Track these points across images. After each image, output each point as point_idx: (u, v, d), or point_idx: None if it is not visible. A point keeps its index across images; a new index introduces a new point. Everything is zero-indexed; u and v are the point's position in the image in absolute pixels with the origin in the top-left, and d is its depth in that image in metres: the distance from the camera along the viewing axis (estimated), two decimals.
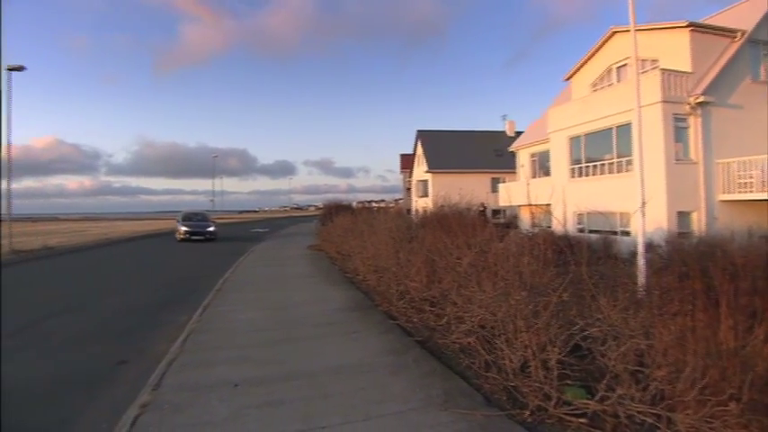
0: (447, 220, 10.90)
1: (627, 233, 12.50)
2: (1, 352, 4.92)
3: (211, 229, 24.15)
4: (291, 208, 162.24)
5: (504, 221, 21.41)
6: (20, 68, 17.81)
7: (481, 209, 20.85)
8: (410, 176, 41.57)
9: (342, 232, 13.23)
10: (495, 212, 26.57)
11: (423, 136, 35.61)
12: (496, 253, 5.18)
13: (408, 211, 32.62)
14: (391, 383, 4.07)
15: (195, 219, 25.58)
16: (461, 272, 5.29)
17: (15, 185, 18.46)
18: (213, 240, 23.53)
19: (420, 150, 35.53)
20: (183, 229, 23.41)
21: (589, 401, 3.04)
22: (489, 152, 32.51)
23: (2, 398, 3.81)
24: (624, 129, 12.90)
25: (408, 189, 43.84)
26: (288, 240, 23.51)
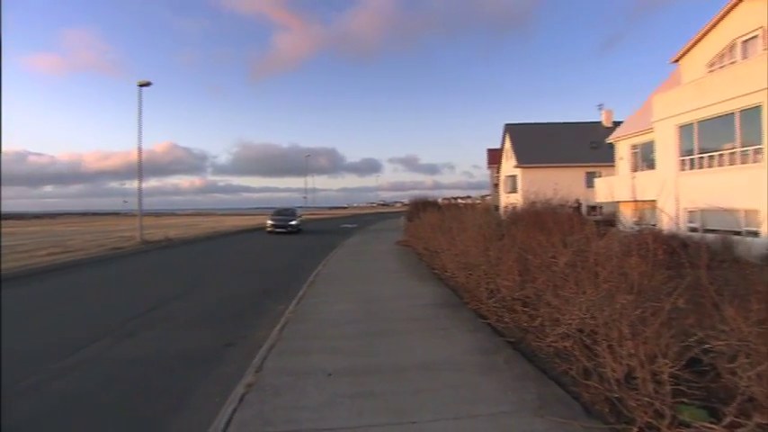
0: (540, 217, 10.39)
1: (754, 233, 10.94)
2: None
3: (293, 222, 27.07)
4: (378, 204, 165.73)
5: (600, 218, 19.88)
6: (147, 84, 20.35)
7: (575, 205, 19.57)
8: (498, 172, 40.22)
9: (429, 228, 13.21)
10: (591, 209, 24.81)
11: (511, 130, 34.23)
12: (597, 252, 4.82)
13: (496, 207, 31.67)
14: (482, 384, 3.98)
15: (284, 214, 28.81)
16: (557, 271, 5.00)
17: (144, 185, 21.31)
18: (296, 233, 26.36)
19: (508, 144, 34.19)
20: (270, 222, 27.24)
21: (714, 425, 2.68)
22: (583, 145, 30.37)
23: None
24: (751, 113, 11.26)
25: (496, 185, 42.51)
26: (375, 236, 24.05)
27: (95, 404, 4.01)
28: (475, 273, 7.29)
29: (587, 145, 30.17)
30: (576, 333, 4.07)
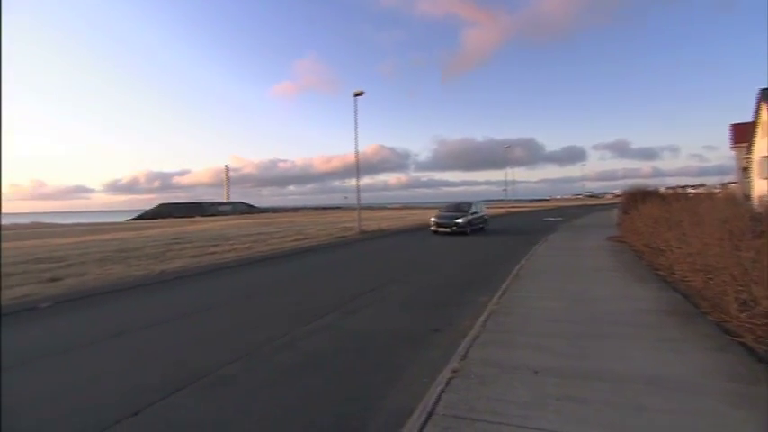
0: None
1: None
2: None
3: (460, 221, 21.46)
4: (584, 196, 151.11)
5: None
6: (360, 93, 23.02)
7: None
8: (748, 152, 31.57)
9: (650, 222, 11.39)
10: None
11: None
12: None
13: (747, 196, 25.16)
14: (734, 419, 3.23)
15: (454, 210, 23.29)
16: None
17: (361, 182, 24.50)
18: (464, 234, 21.23)
19: (766, 116, 26.39)
20: (433, 220, 22.56)
21: None
22: None
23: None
24: None
25: (745, 169, 33.54)
26: (583, 230, 22.00)
27: (330, 364, 4.79)
28: (717, 277, 5.98)
29: None
30: None
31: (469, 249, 15.85)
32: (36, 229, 39.61)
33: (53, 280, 9.60)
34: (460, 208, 23.43)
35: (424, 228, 27.76)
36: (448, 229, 21.49)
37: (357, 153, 24.30)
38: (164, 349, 5.42)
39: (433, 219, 22.68)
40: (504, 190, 63.92)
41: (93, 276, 10.07)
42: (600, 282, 8.40)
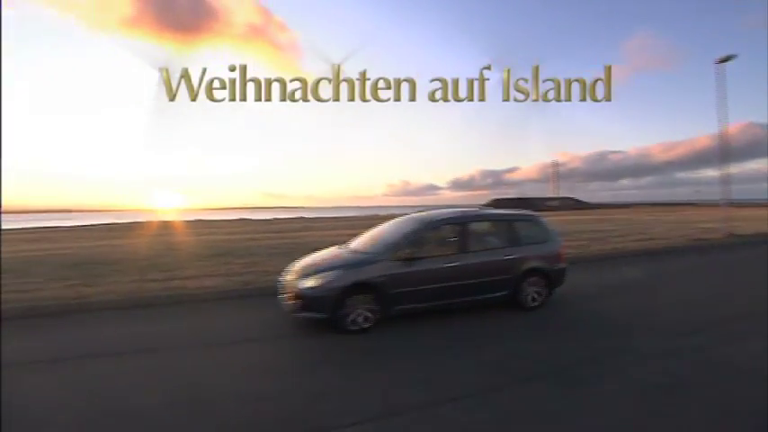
0: None
1: None
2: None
3: (309, 284, 5.79)
4: None
5: None
6: (728, 59, 17.88)
7: None
8: None
9: None
10: None
11: None
12: None
13: None
14: None
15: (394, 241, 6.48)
16: None
17: (720, 173, 19.38)
18: (362, 330, 5.75)
19: None
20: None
21: None
22: None
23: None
24: None
25: None
26: None
27: (700, 393, 4.01)
28: None
29: None
30: None
31: None
32: None
33: None
34: (400, 233, 6.70)
35: None
36: (304, 313, 5.85)
37: (724, 134, 19.29)
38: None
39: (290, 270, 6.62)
40: None
41: None
42: None
